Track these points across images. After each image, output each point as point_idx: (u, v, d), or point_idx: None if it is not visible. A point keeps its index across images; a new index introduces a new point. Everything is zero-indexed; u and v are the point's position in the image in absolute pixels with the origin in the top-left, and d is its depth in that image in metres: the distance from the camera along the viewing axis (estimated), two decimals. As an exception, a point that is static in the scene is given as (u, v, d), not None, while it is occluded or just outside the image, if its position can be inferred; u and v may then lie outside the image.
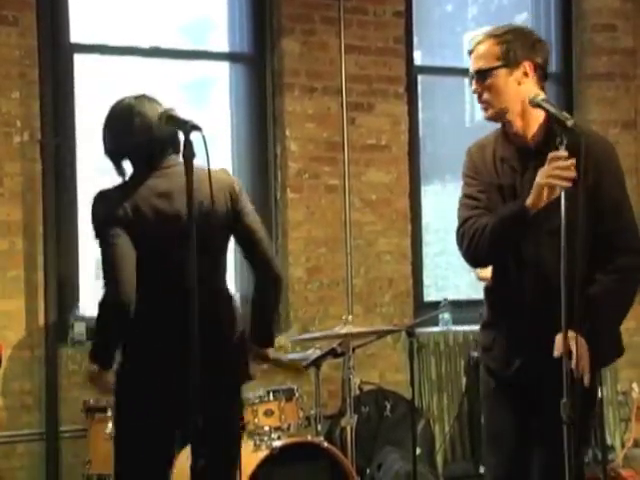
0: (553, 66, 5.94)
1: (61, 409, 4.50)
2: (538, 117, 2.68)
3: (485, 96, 2.71)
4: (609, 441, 5.20)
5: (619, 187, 2.74)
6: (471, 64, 2.75)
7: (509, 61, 2.64)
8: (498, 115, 2.72)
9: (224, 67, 5.27)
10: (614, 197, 2.68)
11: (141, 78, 4.96)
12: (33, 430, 4.51)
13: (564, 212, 2.44)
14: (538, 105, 2.59)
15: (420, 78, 5.54)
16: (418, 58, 5.58)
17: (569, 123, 2.49)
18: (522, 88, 2.66)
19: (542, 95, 2.60)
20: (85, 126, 4.72)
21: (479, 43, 2.71)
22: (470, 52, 2.76)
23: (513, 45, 2.65)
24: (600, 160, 2.68)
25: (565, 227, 2.42)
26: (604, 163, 2.70)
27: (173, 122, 2.46)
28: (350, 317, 4.15)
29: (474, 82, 2.73)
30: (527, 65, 2.66)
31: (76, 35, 4.77)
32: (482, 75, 2.69)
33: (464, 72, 6.52)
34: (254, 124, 5.18)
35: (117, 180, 2.84)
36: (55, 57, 4.65)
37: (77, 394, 4.39)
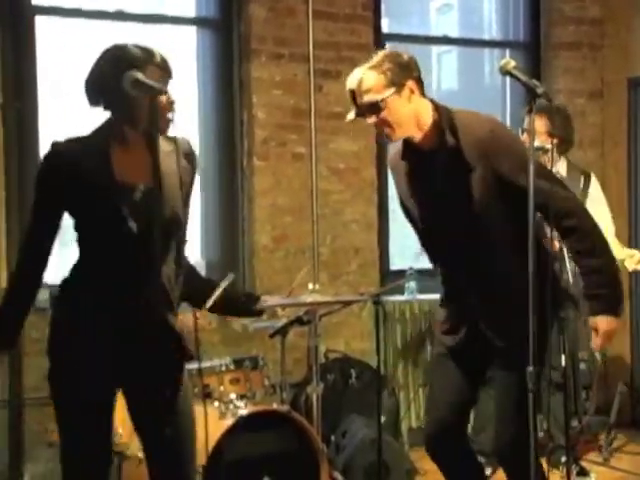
0: (521, 35, 5.95)
1: (24, 376, 4.46)
2: (428, 122, 2.87)
3: (385, 127, 2.87)
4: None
5: (519, 169, 2.75)
6: (359, 101, 2.87)
7: (395, 86, 2.82)
8: (402, 136, 2.91)
9: (191, 32, 5.20)
10: (521, 184, 2.70)
11: (106, 42, 4.86)
12: (-5, 398, 4.48)
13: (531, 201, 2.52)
14: (508, 73, 2.59)
15: (388, 46, 5.51)
16: (385, 25, 5.55)
17: (539, 91, 2.51)
18: (412, 105, 2.85)
19: (513, 63, 2.59)
20: (47, 90, 4.63)
21: (361, 80, 2.85)
22: (353, 91, 2.87)
23: (393, 70, 2.83)
24: (486, 153, 2.82)
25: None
26: (492, 154, 2.82)
27: (140, 86, 2.41)
28: (317, 285, 4.14)
29: (369, 116, 2.86)
30: (410, 83, 2.84)
31: (38, -4, 4.68)
32: (376, 107, 2.83)
33: (432, 40, 6.55)
34: (220, 90, 5.13)
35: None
36: (16, 19, 4.55)
37: (40, 361, 4.33)
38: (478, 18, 6.46)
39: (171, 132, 2.63)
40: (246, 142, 5.09)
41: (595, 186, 4.54)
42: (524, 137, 4.54)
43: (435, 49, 6.51)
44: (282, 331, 4.05)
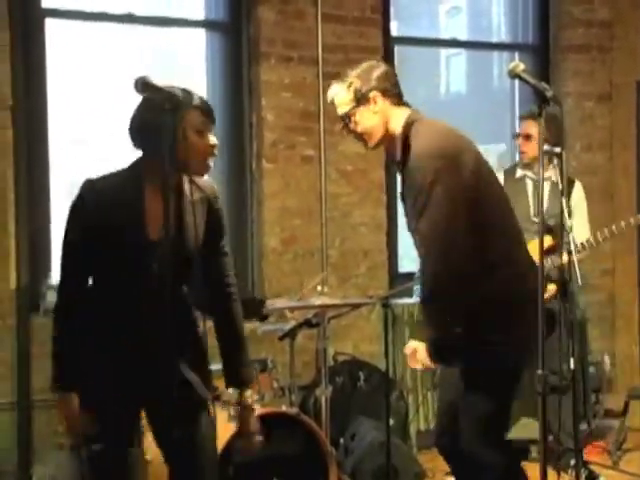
0: (530, 38, 5.94)
1: (33, 379, 4.46)
2: (396, 133, 3.01)
3: (359, 135, 3.07)
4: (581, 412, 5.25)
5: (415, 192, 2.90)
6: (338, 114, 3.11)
7: (360, 100, 3.00)
8: (378, 144, 3.07)
9: (200, 35, 5.21)
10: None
11: (115, 45, 4.89)
12: (5, 400, 4.48)
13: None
14: (517, 76, 2.59)
15: (396, 49, 5.51)
16: (394, 28, 5.54)
17: (548, 94, 2.51)
18: (379, 115, 3.01)
19: (522, 66, 2.59)
20: (57, 92, 4.65)
21: (333, 95, 3.08)
22: (332, 102, 3.11)
23: (357, 86, 3.00)
24: (410, 167, 2.93)
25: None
26: (410, 169, 2.94)
27: (149, 89, 2.42)
28: (325, 288, 4.14)
29: (344, 127, 3.09)
30: (374, 96, 2.99)
31: (48, -1, 4.69)
32: (347, 119, 3.05)
33: (441, 43, 6.54)
34: (229, 93, 5.14)
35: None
36: (26, 21, 4.56)
37: (49, 364, 4.34)
38: (487, 21, 6.46)
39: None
40: (255, 145, 5.10)
41: (579, 194, 4.56)
42: (519, 141, 4.55)
43: (444, 52, 6.51)
44: (291, 334, 4.05)
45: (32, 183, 4.55)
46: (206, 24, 5.20)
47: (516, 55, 5.97)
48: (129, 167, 2.69)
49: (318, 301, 3.96)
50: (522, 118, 4.61)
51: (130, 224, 2.59)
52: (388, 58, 5.34)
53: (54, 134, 4.67)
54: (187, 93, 2.53)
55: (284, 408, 3.93)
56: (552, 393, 4.14)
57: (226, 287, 2.84)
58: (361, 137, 3.07)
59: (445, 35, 6.33)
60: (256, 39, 5.04)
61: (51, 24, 4.69)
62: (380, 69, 3.06)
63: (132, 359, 2.62)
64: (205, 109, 2.62)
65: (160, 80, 2.41)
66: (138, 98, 2.61)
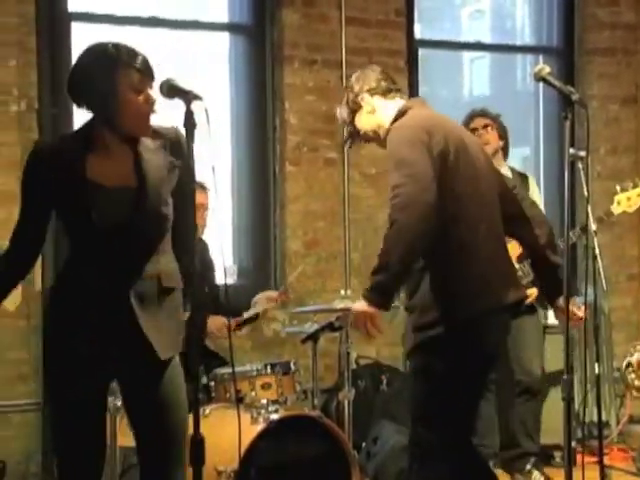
0: (554, 41, 5.91)
1: (57, 380, 4.49)
2: (386, 121, 3.09)
3: (369, 138, 3.20)
4: (604, 417, 5.22)
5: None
6: None
7: (353, 108, 3.14)
8: (381, 143, 3.11)
9: (224, 38, 5.23)
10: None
11: (139, 48, 4.90)
12: (29, 400, 4.51)
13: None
14: (543, 79, 2.59)
15: (420, 52, 5.50)
16: (417, 31, 5.54)
17: (574, 97, 2.50)
18: (376, 113, 3.12)
19: (547, 69, 2.59)
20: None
21: (340, 116, 3.24)
22: (342, 124, 3.28)
23: (349, 96, 3.16)
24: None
25: None
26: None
27: (175, 91, 2.43)
28: (348, 291, 4.14)
29: (358, 141, 3.26)
30: (361, 98, 3.12)
31: (74, 3, 4.72)
32: (353, 129, 3.19)
33: (464, 46, 6.53)
34: (253, 96, 5.15)
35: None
36: (53, 25, 4.60)
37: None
38: (511, 23, 6.44)
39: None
40: (278, 148, 5.11)
41: (533, 188, 4.61)
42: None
43: (467, 55, 6.50)
44: (314, 337, 4.05)
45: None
46: (230, 27, 5.22)
47: (540, 58, 5.94)
48: (75, 131, 2.68)
49: (341, 304, 3.95)
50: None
51: (74, 182, 2.56)
52: (411, 61, 5.34)
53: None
54: (129, 53, 2.54)
55: (306, 411, 3.93)
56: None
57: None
58: (371, 138, 3.17)
59: (469, 37, 6.31)
60: (280, 42, 5.05)
61: (77, 28, 4.73)
62: (363, 73, 3.19)
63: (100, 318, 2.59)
64: (144, 69, 2.57)
65: (185, 83, 2.43)
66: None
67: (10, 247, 2.71)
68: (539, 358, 4.41)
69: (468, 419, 3.08)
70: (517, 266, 4.11)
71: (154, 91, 2.56)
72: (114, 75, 2.52)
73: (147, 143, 2.63)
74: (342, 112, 3.19)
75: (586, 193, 3.07)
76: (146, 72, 2.58)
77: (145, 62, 2.58)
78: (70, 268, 2.67)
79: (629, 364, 4.28)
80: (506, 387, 4.39)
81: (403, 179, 2.77)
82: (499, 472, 4.25)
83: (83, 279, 2.61)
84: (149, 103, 2.57)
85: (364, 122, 3.13)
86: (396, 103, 3.10)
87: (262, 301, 4.31)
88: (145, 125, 2.60)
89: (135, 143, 2.61)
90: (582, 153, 3.90)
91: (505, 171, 4.19)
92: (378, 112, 3.11)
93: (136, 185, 2.57)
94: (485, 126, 4.38)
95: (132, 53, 2.56)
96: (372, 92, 3.12)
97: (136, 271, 2.58)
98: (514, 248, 3.93)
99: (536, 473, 4.34)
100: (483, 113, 4.45)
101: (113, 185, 2.57)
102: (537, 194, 4.63)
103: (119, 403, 3.11)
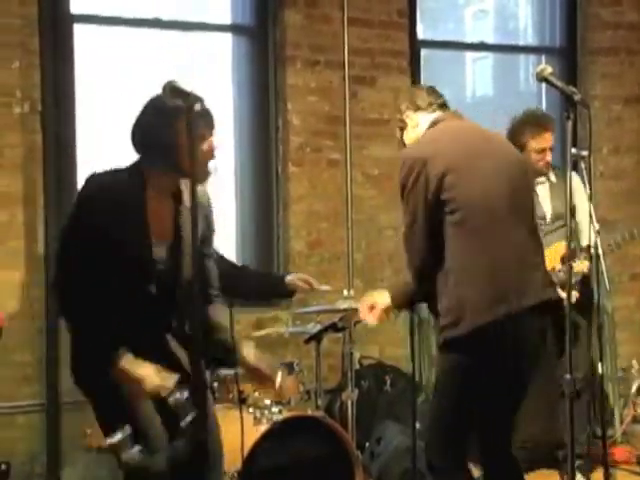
0: (557, 41, 5.91)
1: (62, 380, 4.50)
2: (419, 136, 3.26)
3: None
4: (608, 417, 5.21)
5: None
6: None
7: (401, 127, 3.32)
8: None
9: (226, 39, 5.23)
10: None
11: (142, 49, 4.92)
12: (34, 401, 4.52)
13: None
14: (545, 79, 2.59)
15: (423, 52, 5.50)
16: (420, 32, 5.54)
17: (576, 97, 2.50)
18: (414, 133, 3.26)
19: (549, 69, 2.59)
20: (85, 97, 4.69)
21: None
22: None
23: (397, 116, 3.33)
24: None
25: None
26: None
27: (177, 93, 2.43)
28: (351, 292, 4.15)
29: None
30: (407, 116, 3.27)
31: (76, 5, 4.73)
32: (403, 144, 3.37)
33: (467, 46, 6.52)
34: (256, 97, 5.15)
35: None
36: (55, 27, 4.60)
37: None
38: (514, 24, 6.43)
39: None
40: (281, 148, 5.11)
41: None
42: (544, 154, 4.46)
43: (470, 55, 6.49)
44: (317, 337, 4.06)
45: (61, 187, 4.59)
46: (232, 28, 5.22)
47: (543, 58, 5.93)
48: (129, 169, 2.68)
49: (344, 305, 3.96)
50: (550, 129, 4.48)
51: (134, 229, 2.59)
52: (414, 61, 5.34)
53: (82, 139, 4.71)
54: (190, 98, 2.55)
55: (310, 411, 3.94)
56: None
57: (208, 288, 2.86)
58: None
59: (472, 38, 6.31)
60: (282, 43, 5.06)
61: (80, 30, 4.74)
62: (409, 92, 3.42)
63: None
64: (204, 114, 2.59)
65: (187, 84, 2.43)
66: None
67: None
68: (584, 358, 4.38)
69: (504, 420, 3.12)
70: (558, 267, 4.14)
71: (215, 137, 2.62)
72: (177, 125, 2.53)
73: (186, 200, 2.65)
74: (398, 134, 3.36)
75: (588, 192, 3.07)
76: (209, 118, 2.63)
77: (205, 108, 2.61)
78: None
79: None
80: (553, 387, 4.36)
81: (406, 229, 3.21)
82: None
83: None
84: (211, 149, 2.61)
85: (409, 137, 3.28)
86: (428, 117, 3.19)
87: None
88: (205, 173, 2.64)
89: (179, 194, 2.65)
90: (584, 153, 3.92)
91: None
92: (420, 127, 3.23)
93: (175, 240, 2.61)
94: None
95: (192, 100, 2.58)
96: (416, 109, 3.24)
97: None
98: (559, 249, 3.98)
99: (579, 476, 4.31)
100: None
101: (164, 241, 2.60)
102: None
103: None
